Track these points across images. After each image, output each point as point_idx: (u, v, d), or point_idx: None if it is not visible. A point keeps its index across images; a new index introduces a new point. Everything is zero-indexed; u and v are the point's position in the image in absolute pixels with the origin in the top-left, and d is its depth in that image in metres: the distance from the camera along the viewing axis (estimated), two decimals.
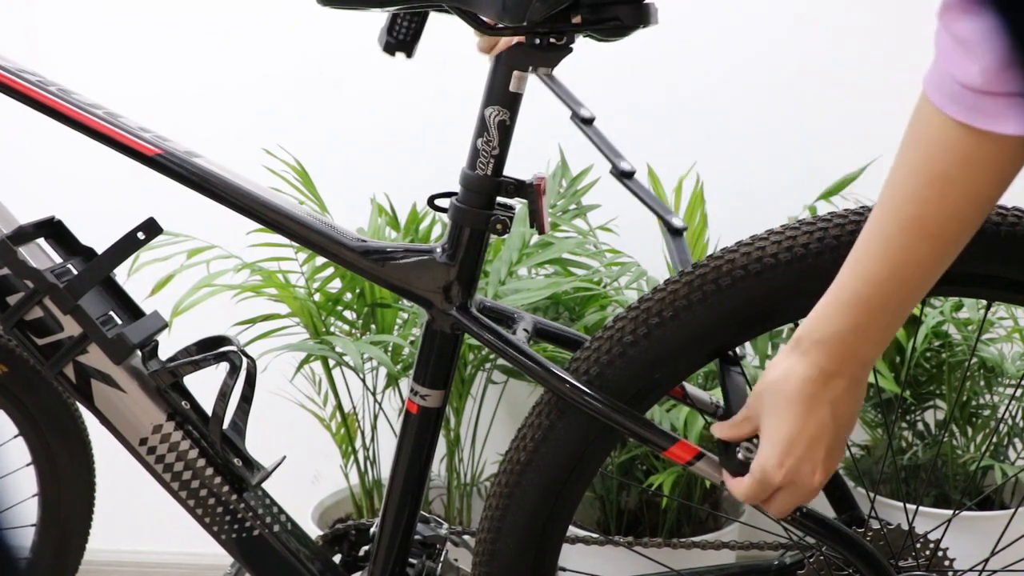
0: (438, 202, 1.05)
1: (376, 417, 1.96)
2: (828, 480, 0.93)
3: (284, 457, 1.15)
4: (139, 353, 1.10)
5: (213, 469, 1.10)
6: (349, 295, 1.89)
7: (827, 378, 0.85)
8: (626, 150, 2.14)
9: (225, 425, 1.09)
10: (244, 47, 2.22)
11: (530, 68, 0.98)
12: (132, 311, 1.12)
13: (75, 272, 1.07)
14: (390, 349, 1.84)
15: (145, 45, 2.23)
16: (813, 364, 0.85)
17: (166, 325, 1.14)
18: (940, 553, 1.07)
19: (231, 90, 2.23)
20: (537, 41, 0.96)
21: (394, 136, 2.14)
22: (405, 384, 1.91)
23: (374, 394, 1.94)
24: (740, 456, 0.92)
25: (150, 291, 1.78)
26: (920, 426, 2.05)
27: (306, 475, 2.25)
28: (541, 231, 1.03)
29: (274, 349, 1.76)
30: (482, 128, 0.99)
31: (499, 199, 1.01)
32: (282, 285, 1.85)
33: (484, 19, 0.96)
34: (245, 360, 1.10)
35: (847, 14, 2.13)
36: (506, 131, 0.99)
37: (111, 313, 1.09)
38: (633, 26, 0.95)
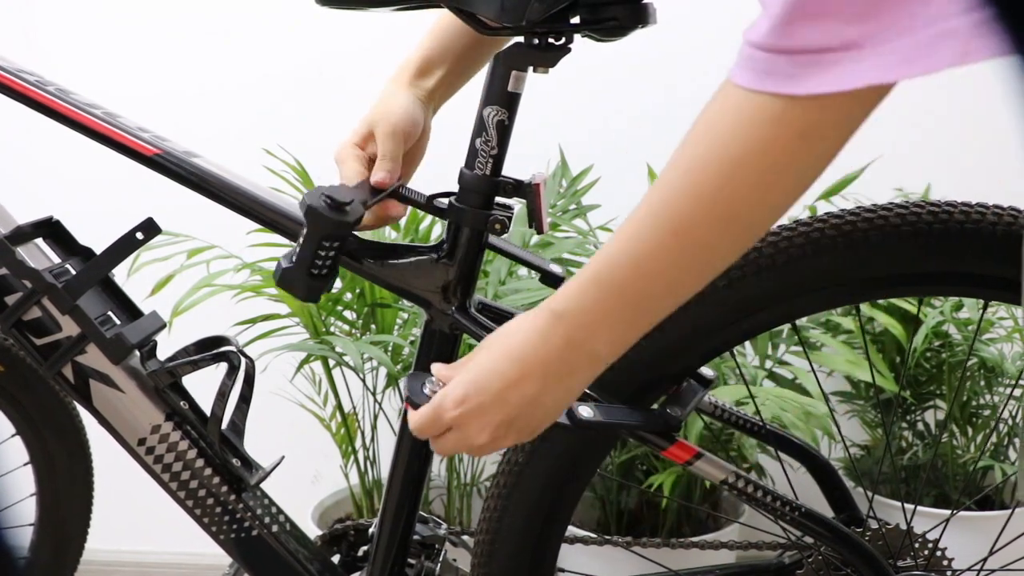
0: (437, 202, 1.05)
1: (376, 417, 1.96)
2: (495, 450, 0.87)
3: (283, 457, 1.15)
4: (137, 353, 1.10)
5: (212, 469, 1.10)
6: (349, 295, 1.89)
7: (548, 352, 0.80)
8: (626, 150, 2.16)
9: (224, 425, 1.09)
10: (244, 47, 2.22)
11: (529, 68, 0.98)
12: (131, 311, 1.12)
13: (73, 272, 1.07)
14: (390, 349, 1.84)
15: (145, 45, 2.23)
16: (542, 333, 0.80)
17: (164, 325, 1.14)
18: (939, 553, 1.07)
19: (231, 90, 2.23)
20: (536, 41, 0.96)
21: None
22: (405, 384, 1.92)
23: (374, 394, 1.94)
24: (427, 391, 0.89)
25: (150, 291, 1.78)
26: (920, 426, 2.05)
27: (306, 475, 2.25)
28: (540, 231, 1.03)
29: (274, 349, 1.76)
30: (480, 128, 0.99)
31: (497, 199, 1.01)
32: None
33: (483, 19, 0.96)
34: (244, 360, 1.10)
35: None
36: (504, 131, 0.99)
37: (109, 313, 1.09)
38: (631, 26, 0.95)
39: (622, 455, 1.92)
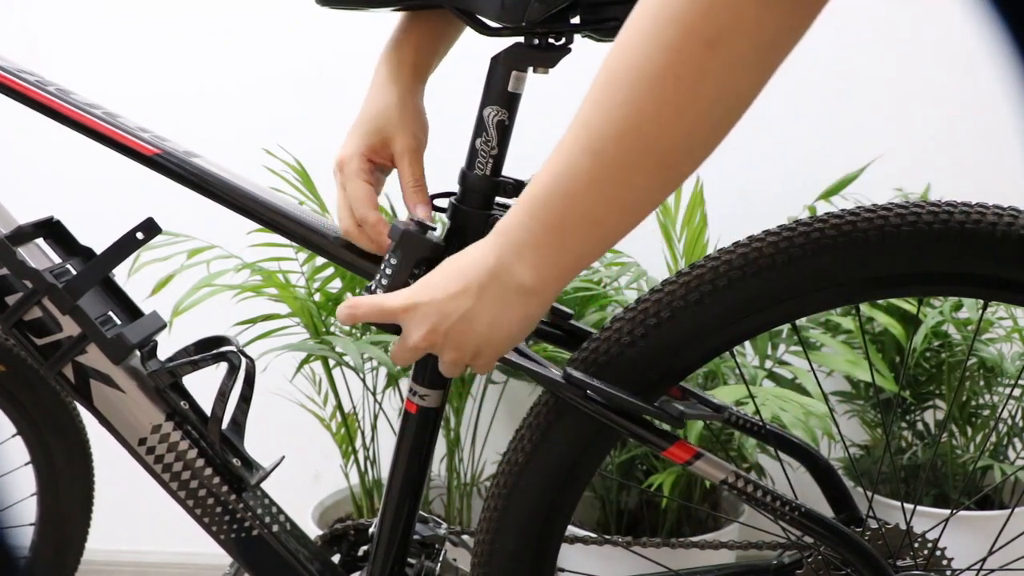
0: (437, 202, 1.05)
1: (376, 417, 1.96)
2: (427, 358, 0.93)
3: (283, 457, 1.15)
4: (138, 353, 1.10)
5: (212, 469, 1.10)
6: (349, 295, 1.89)
7: (483, 268, 0.83)
8: None
9: (224, 425, 1.10)
10: (244, 47, 2.23)
11: (529, 68, 0.98)
12: (131, 311, 1.12)
13: (74, 272, 1.07)
14: (390, 349, 1.84)
15: (145, 45, 2.23)
16: (482, 250, 0.84)
17: (165, 325, 1.14)
18: (938, 552, 1.07)
19: (231, 90, 2.23)
20: (536, 41, 0.96)
21: None
22: (405, 384, 1.92)
23: (374, 394, 1.94)
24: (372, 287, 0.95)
25: (150, 291, 1.78)
26: (919, 426, 2.05)
27: (306, 475, 2.25)
28: None
29: (274, 349, 1.76)
30: (480, 128, 0.99)
31: (498, 199, 1.01)
32: (282, 285, 1.86)
33: (483, 19, 0.96)
34: (244, 360, 1.10)
35: (847, 14, 2.13)
36: (505, 131, 0.99)
37: (110, 313, 1.09)
38: None
39: (622, 455, 1.92)
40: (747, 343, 1.89)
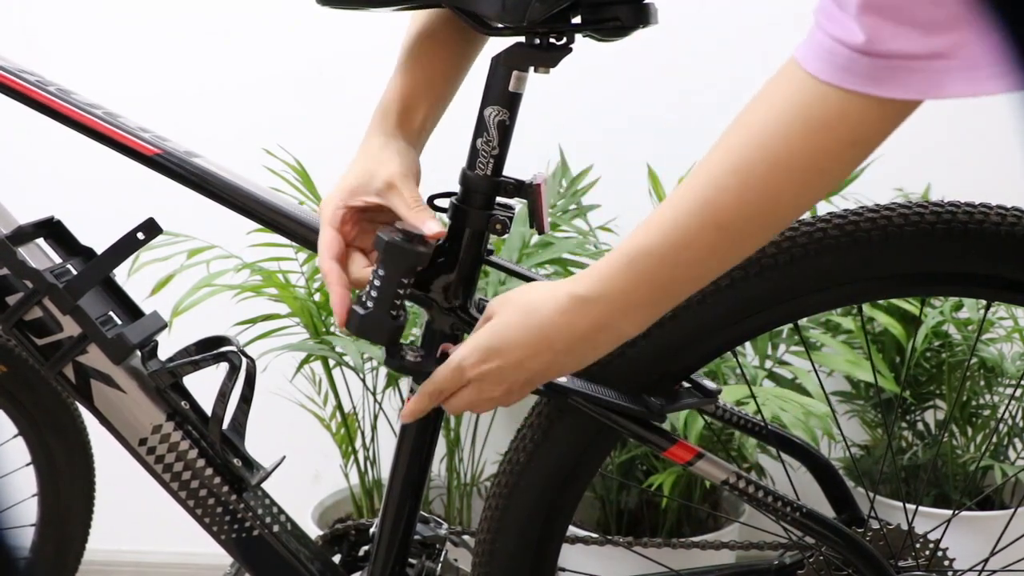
0: (437, 202, 1.05)
1: (376, 417, 1.96)
2: (507, 403, 0.91)
3: (284, 457, 1.15)
4: (139, 353, 1.10)
5: (212, 469, 1.10)
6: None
7: (573, 333, 0.84)
8: (626, 150, 2.16)
9: (225, 425, 1.09)
10: (244, 47, 2.22)
11: (530, 68, 0.98)
12: (132, 311, 1.12)
13: (74, 272, 1.07)
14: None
15: (145, 45, 2.23)
16: (568, 316, 0.84)
17: (165, 325, 1.14)
18: (940, 553, 1.07)
19: (231, 90, 2.23)
20: (537, 41, 0.96)
21: None
22: (405, 384, 1.92)
23: (374, 394, 1.94)
24: (409, 357, 0.97)
25: (150, 291, 1.78)
26: (920, 426, 2.05)
27: (306, 475, 2.25)
28: (540, 231, 1.03)
29: (274, 349, 1.76)
30: (481, 128, 0.99)
31: (498, 199, 1.01)
32: (282, 285, 1.85)
33: (484, 19, 0.96)
34: (245, 360, 1.10)
35: None
36: (505, 131, 0.99)
37: (111, 313, 1.09)
38: (633, 26, 0.95)
39: (622, 455, 1.92)
40: (747, 343, 1.89)
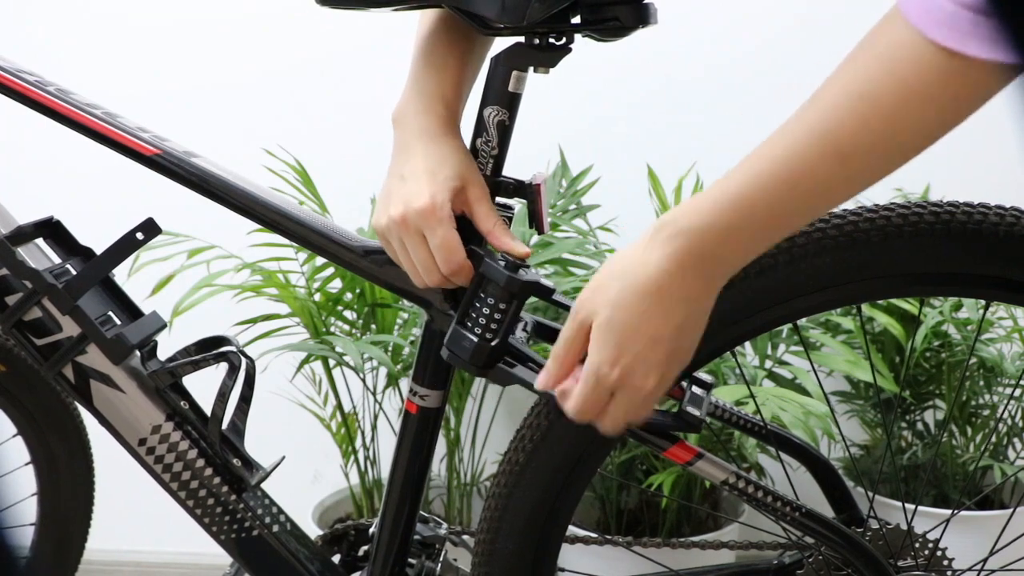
0: None
1: (376, 417, 1.96)
2: (663, 392, 0.85)
3: (283, 457, 1.15)
4: (138, 353, 1.10)
5: (212, 469, 1.10)
6: (349, 295, 1.89)
7: (684, 272, 0.78)
8: (626, 150, 2.16)
9: (224, 425, 1.09)
10: (244, 47, 2.23)
11: (529, 68, 0.98)
12: (131, 311, 1.12)
13: (74, 272, 1.07)
14: (390, 349, 1.84)
15: (145, 45, 2.23)
16: (673, 255, 0.78)
17: (165, 325, 1.14)
18: (939, 553, 1.07)
19: (231, 90, 2.23)
20: (536, 41, 0.96)
21: None
22: (405, 384, 1.92)
23: (374, 394, 1.94)
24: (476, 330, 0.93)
25: (150, 291, 1.78)
26: (919, 426, 2.05)
27: (306, 475, 2.25)
28: (540, 231, 1.03)
29: (274, 349, 1.76)
30: (481, 128, 0.99)
31: (498, 199, 1.01)
32: (282, 285, 1.86)
33: (483, 19, 0.96)
34: (244, 360, 1.10)
35: (847, 14, 2.13)
36: (505, 131, 0.99)
37: (110, 313, 1.09)
38: (632, 26, 0.95)
39: (622, 455, 1.92)
40: (747, 343, 1.89)
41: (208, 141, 1.31)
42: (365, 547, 1.24)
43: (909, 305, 1.85)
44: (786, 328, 1.87)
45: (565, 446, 0.99)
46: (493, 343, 0.95)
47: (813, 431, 1.59)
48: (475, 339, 0.95)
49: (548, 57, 0.97)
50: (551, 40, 0.96)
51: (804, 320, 1.87)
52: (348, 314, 1.90)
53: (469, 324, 0.96)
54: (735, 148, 0.86)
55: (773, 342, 1.88)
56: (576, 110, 2.18)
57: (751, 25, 2.14)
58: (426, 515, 1.21)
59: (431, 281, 0.98)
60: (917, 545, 1.06)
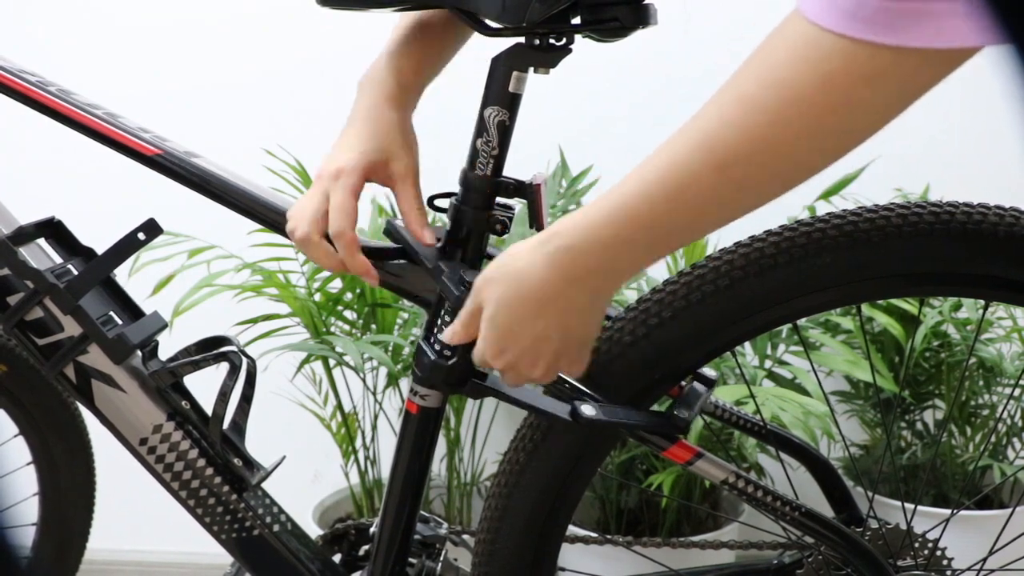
0: (438, 202, 1.05)
1: (376, 417, 1.96)
2: (555, 378, 0.89)
3: (284, 457, 1.15)
4: (139, 353, 1.10)
5: (213, 469, 1.10)
6: (349, 295, 1.89)
7: (568, 285, 0.80)
8: (626, 151, 2.15)
9: (225, 425, 1.10)
10: (244, 47, 2.23)
11: (530, 69, 0.98)
12: (132, 311, 1.12)
13: (75, 272, 1.07)
14: (390, 349, 1.84)
15: (145, 45, 2.23)
16: (556, 268, 0.80)
17: (166, 325, 1.14)
18: (939, 552, 1.07)
19: (231, 90, 2.23)
20: (536, 41, 0.96)
21: None
22: (405, 384, 1.92)
23: (374, 394, 1.94)
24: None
25: (151, 291, 1.78)
26: (919, 426, 2.05)
27: (306, 475, 2.25)
28: (540, 231, 1.03)
29: (274, 349, 1.76)
30: (481, 128, 0.99)
31: (498, 199, 1.02)
32: (282, 285, 1.86)
33: (483, 19, 0.96)
34: (245, 360, 1.10)
35: None
36: (505, 131, 0.99)
37: (111, 313, 1.09)
38: (632, 26, 0.95)
39: (622, 455, 1.92)
40: (747, 343, 1.90)
41: (208, 141, 1.31)
42: (365, 547, 1.24)
43: (909, 305, 1.86)
44: (786, 328, 1.87)
45: (565, 446, 0.99)
46: (450, 362, 0.96)
47: (813, 431, 1.59)
48: (433, 357, 0.96)
49: (548, 57, 0.97)
50: (551, 41, 0.96)
51: (804, 320, 1.87)
52: (348, 314, 1.91)
53: (431, 340, 0.97)
54: None
55: (773, 342, 1.88)
56: (576, 110, 2.18)
57: (751, 25, 2.14)
58: (426, 515, 1.21)
59: (304, 229, 0.98)
60: (917, 545, 1.06)
